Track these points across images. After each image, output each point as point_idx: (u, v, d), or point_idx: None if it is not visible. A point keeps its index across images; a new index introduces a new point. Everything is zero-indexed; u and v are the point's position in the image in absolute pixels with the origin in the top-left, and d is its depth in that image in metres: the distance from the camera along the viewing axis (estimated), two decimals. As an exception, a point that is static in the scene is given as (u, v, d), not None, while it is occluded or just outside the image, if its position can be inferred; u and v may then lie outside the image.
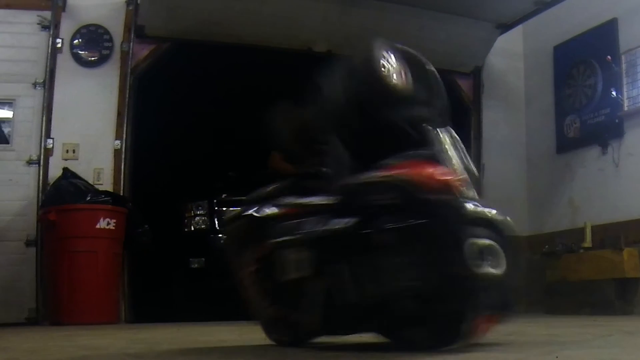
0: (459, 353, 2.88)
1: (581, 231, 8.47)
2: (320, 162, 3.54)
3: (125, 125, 8.12)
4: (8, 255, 7.66)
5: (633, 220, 7.90)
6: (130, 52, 8.23)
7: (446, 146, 3.21)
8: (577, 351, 3.13)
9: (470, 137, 9.64)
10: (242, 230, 3.75)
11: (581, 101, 8.84)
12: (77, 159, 7.92)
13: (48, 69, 7.96)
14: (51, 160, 7.85)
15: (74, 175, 7.61)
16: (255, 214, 3.62)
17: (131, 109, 8.19)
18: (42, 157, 7.83)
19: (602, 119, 8.52)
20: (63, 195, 7.32)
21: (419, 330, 3.05)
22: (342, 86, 3.27)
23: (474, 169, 3.35)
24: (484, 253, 2.90)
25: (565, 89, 9.13)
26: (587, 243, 8.33)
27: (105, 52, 8.22)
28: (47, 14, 8.05)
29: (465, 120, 9.67)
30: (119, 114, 8.12)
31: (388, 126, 3.17)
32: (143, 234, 7.62)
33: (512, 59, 10.01)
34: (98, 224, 7.18)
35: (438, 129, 3.24)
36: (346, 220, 3.04)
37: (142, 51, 8.32)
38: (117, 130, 8.11)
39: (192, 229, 8.13)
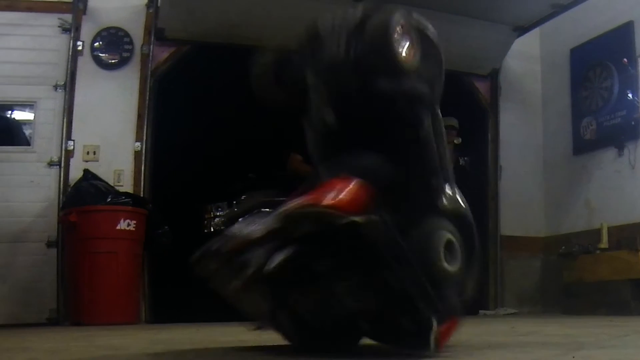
0: (473, 353, 2.91)
1: (597, 232, 8.49)
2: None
3: (145, 127, 8.19)
4: (29, 256, 7.70)
5: (649, 222, 7.90)
6: (151, 54, 8.30)
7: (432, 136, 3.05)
8: (594, 351, 3.13)
9: (487, 140, 9.69)
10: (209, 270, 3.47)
11: (597, 103, 8.86)
12: (98, 161, 7.98)
13: (69, 72, 8.00)
14: (72, 162, 7.92)
15: (95, 176, 7.64)
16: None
17: (151, 111, 8.25)
18: (62, 158, 7.89)
19: (618, 121, 8.55)
20: (84, 196, 7.33)
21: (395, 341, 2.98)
22: (346, 39, 3.05)
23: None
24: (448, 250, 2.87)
25: (581, 91, 9.15)
26: (604, 244, 8.34)
27: (125, 54, 8.29)
28: (68, 17, 8.10)
29: (483, 122, 9.72)
30: (139, 116, 8.19)
31: (380, 96, 3.00)
32: (163, 235, 7.64)
33: (529, 61, 10.01)
34: (118, 225, 7.19)
35: (432, 114, 3.10)
36: (285, 251, 2.78)
37: (162, 54, 8.38)
38: (137, 132, 8.18)
39: (212, 230, 8.15)
